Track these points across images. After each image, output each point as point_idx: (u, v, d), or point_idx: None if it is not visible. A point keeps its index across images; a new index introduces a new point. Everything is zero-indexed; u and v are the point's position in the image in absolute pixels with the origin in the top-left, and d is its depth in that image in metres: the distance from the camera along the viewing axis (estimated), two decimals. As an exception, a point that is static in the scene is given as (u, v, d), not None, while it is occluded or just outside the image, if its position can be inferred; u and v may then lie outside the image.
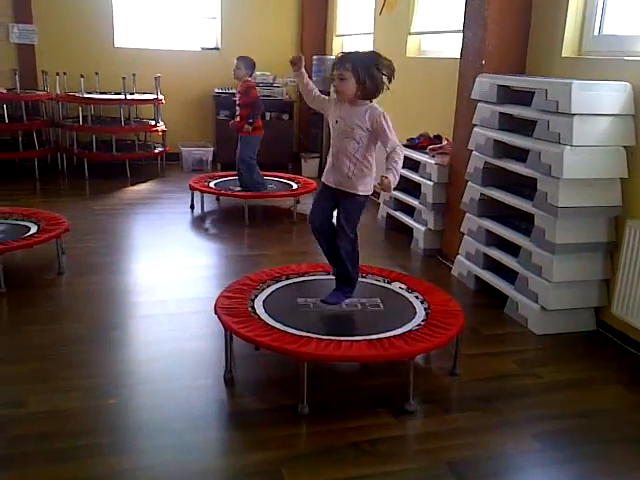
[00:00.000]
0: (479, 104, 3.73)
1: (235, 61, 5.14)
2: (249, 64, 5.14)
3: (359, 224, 2.87)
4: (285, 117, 7.22)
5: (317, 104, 2.91)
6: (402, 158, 2.62)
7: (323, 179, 2.90)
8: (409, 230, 4.62)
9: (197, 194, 5.29)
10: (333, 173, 2.81)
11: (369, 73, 2.59)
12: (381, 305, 2.89)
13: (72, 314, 3.26)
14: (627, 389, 2.74)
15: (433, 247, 4.41)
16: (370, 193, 2.83)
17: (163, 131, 6.75)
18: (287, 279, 3.15)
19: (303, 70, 2.84)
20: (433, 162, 4.30)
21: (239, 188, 5.25)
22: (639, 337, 3.02)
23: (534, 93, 3.23)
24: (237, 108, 5.24)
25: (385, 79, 2.64)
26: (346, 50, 2.84)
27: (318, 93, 2.89)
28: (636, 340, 3.05)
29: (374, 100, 2.71)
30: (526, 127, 3.35)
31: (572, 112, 2.95)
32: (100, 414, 2.39)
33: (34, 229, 3.77)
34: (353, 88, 2.60)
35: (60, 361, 2.76)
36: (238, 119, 5.19)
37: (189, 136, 7.28)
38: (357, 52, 2.70)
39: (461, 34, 4.08)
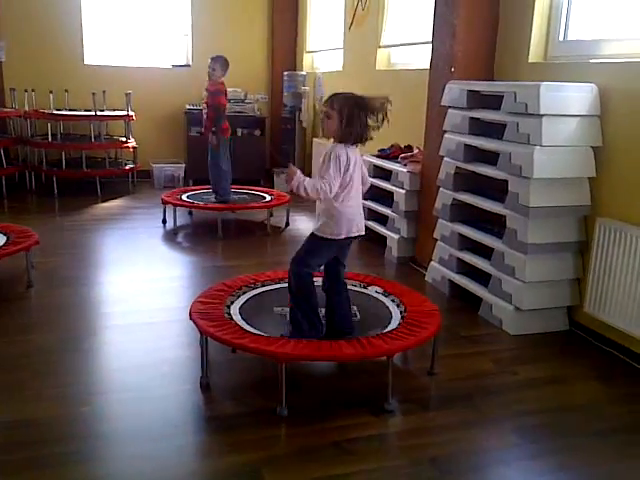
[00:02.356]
0: (449, 110, 3.79)
1: (209, 61, 5.13)
2: (224, 64, 5.14)
3: (310, 265, 2.61)
4: (257, 133, 7.23)
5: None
6: (320, 188, 2.46)
7: None
8: (382, 239, 4.63)
9: (169, 209, 5.25)
10: None
11: (353, 116, 2.47)
12: (358, 314, 2.86)
13: (42, 325, 3.18)
14: (602, 384, 2.76)
15: (406, 255, 4.43)
16: (325, 236, 2.58)
17: (134, 147, 6.70)
18: (263, 286, 3.12)
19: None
20: (405, 170, 4.34)
21: (213, 199, 5.26)
22: (612, 335, 3.06)
23: (503, 97, 3.29)
24: (204, 106, 5.24)
25: (372, 122, 2.51)
26: (334, 91, 2.66)
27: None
28: (609, 338, 3.08)
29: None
30: (496, 131, 3.40)
31: (541, 113, 3.01)
32: (72, 422, 2.32)
33: (2, 241, 3.69)
34: (335, 128, 2.51)
35: (30, 371, 2.68)
36: (206, 124, 5.21)
37: (160, 153, 7.24)
38: (347, 93, 2.57)
39: (429, 45, 4.16)
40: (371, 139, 2.57)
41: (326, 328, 2.70)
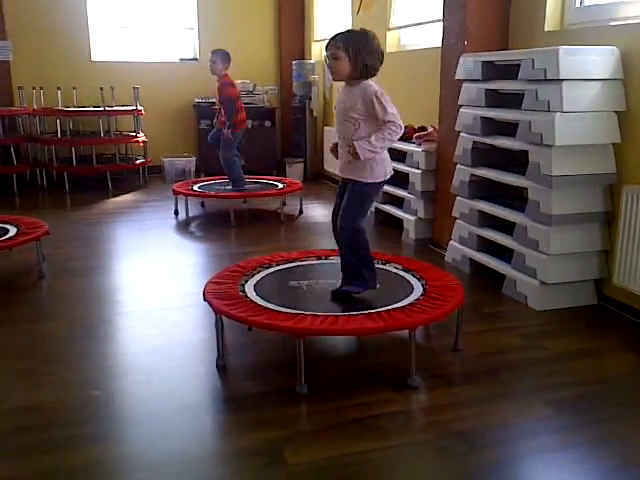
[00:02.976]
0: (464, 84, 3.67)
1: (210, 55, 5.07)
2: (225, 57, 5.05)
3: (363, 216, 2.63)
4: (267, 124, 7.15)
5: None
6: (392, 135, 2.46)
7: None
8: (399, 223, 4.53)
9: (181, 200, 5.18)
10: (339, 160, 2.67)
11: (362, 51, 2.47)
12: (377, 284, 2.77)
13: (54, 314, 3.11)
14: (636, 356, 2.63)
15: (424, 236, 4.32)
16: (377, 181, 2.61)
17: (144, 142, 6.64)
18: (277, 265, 3.03)
19: None
20: (420, 150, 4.23)
21: (229, 188, 5.17)
22: (643, 306, 2.93)
23: (519, 65, 3.17)
24: (220, 105, 5.15)
25: (379, 56, 2.52)
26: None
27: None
28: (640, 310, 2.96)
29: (373, 79, 2.57)
30: (513, 102, 3.28)
31: (561, 77, 2.88)
32: (84, 406, 2.24)
33: (13, 232, 3.63)
34: (347, 67, 2.49)
35: (42, 358, 2.62)
36: (223, 119, 5.12)
37: (171, 148, 7.18)
38: (349, 30, 2.61)
39: (440, 24, 4.05)
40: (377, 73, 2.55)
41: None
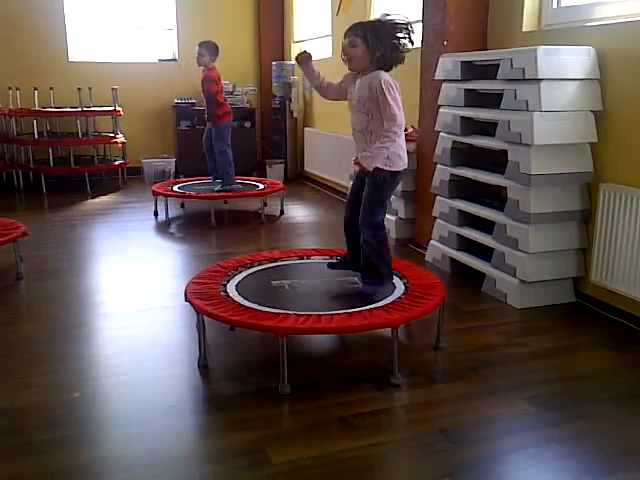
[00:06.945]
0: (444, 84, 3.70)
1: (197, 48, 5.06)
2: (212, 49, 5.04)
3: (383, 209, 2.62)
4: (247, 125, 7.13)
5: (333, 93, 2.72)
6: (391, 139, 2.46)
7: None
8: (380, 222, 4.54)
9: (161, 201, 5.14)
10: (355, 153, 2.64)
11: (380, 39, 2.44)
12: (359, 282, 2.77)
13: (31, 316, 3.08)
14: (615, 352, 2.67)
15: (405, 236, 4.34)
16: (396, 169, 2.57)
17: (122, 143, 6.58)
18: (259, 265, 3.02)
19: (312, 64, 2.66)
20: (400, 150, 4.24)
21: (217, 188, 5.14)
22: (620, 304, 2.97)
23: (498, 65, 3.20)
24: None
25: (403, 41, 2.50)
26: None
27: (329, 82, 2.72)
28: (617, 307, 3.00)
29: (394, 69, 2.56)
30: (492, 101, 3.31)
31: (539, 77, 2.92)
32: (63, 408, 2.21)
33: (-12, 234, 3.58)
34: (364, 56, 2.46)
35: (18, 360, 2.58)
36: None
37: (150, 149, 7.12)
38: (369, 20, 2.59)
39: (419, 24, 4.07)
40: (402, 62, 2.54)
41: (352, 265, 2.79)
